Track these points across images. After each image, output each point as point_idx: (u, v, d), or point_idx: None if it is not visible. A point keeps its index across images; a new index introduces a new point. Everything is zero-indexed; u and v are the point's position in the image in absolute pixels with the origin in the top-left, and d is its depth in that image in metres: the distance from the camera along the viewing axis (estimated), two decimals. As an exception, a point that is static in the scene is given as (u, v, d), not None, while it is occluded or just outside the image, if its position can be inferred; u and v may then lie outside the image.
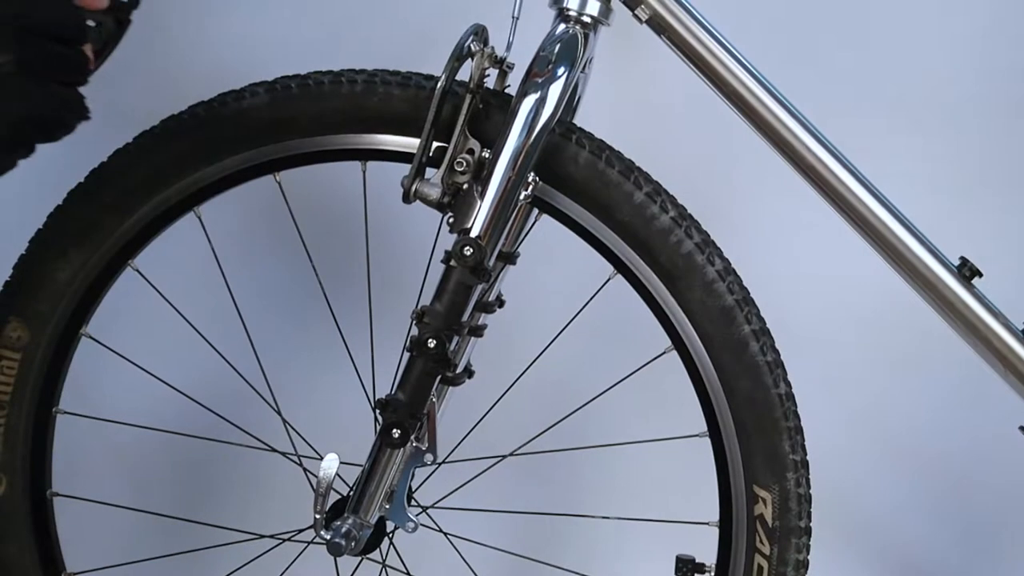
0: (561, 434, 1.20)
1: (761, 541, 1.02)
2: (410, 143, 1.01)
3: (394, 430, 0.97)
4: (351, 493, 1.05)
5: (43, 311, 1.07)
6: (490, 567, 1.32)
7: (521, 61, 0.99)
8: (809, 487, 1.02)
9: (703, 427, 1.05)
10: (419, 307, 0.97)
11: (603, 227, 1.02)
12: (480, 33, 0.97)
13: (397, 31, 1.44)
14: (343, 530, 1.03)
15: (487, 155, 0.96)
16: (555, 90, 0.95)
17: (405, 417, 0.97)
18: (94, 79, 0.86)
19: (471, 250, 0.94)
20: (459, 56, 0.95)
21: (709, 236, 1.02)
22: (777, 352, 1.02)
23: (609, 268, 1.05)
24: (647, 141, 1.18)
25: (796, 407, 1.02)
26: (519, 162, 0.95)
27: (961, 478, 1.52)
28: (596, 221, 1.02)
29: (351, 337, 1.26)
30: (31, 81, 0.81)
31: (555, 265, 1.21)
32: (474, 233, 0.95)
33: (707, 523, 1.07)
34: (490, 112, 0.99)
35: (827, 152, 1.00)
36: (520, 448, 1.19)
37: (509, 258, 1.05)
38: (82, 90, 0.85)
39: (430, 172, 0.98)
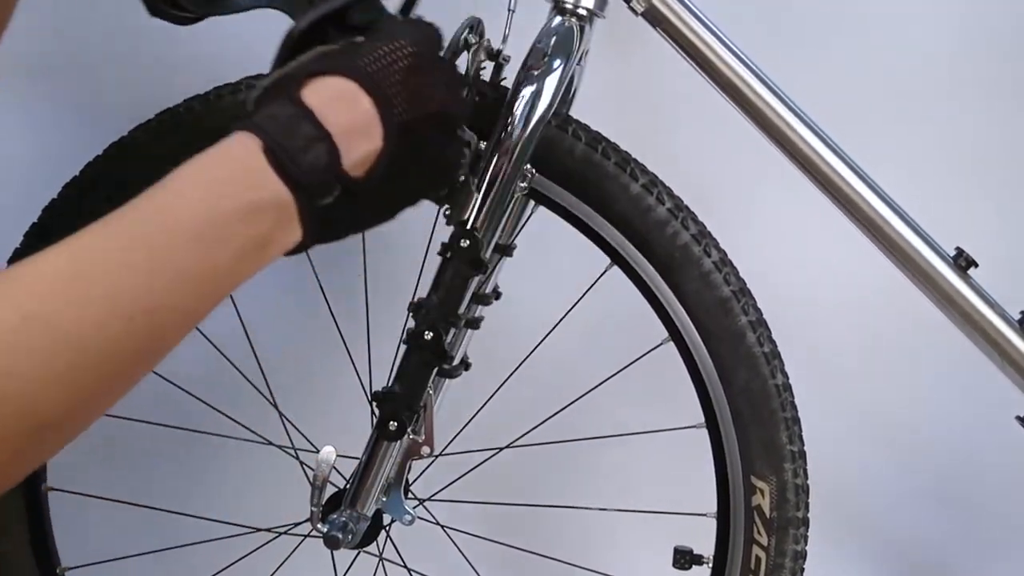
0: (558, 426, 1.20)
1: (759, 532, 1.02)
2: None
3: (391, 423, 0.97)
4: (348, 486, 1.05)
5: (38, 305, 1.06)
6: (487, 559, 1.32)
7: (517, 54, 0.98)
8: (807, 478, 1.02)
9: (700, 418, 1.05)
10: (416, 299, 0.97)
11: (599, 219, 1.01)
12: (476, 26, 0.96)
13: (391, 23, 1.44)
14: (340, 523, 1.03)
15: (484, 148, 0.96)
16: (551, 82, 0.95)
17: (402, 409, 0.97)
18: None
19: (468, 242, 0.94)
20: (455, 49, 0.94)
21: (705, 227, 1.02)
22: (774, 343, 1.02)
23: (605, 259, 1.05)
24: (643, 133, 1.18)
25: (793, 398, 1.02)
26: (516, 154, 0.94)
27: (957, 468, 1.52)
28: (592, 213, 1.01)
29: (347, 329, 1.25)
30: None
31: (551, 257, 1.21)
32: (471, 225, 0.95)
33: (705, 514, 1.07)
34: (486, 105, 0.99)
35: (822, 143, 1.00)
36: (517, 440, 1.19)
37: (506, 250, 1.04)
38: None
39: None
